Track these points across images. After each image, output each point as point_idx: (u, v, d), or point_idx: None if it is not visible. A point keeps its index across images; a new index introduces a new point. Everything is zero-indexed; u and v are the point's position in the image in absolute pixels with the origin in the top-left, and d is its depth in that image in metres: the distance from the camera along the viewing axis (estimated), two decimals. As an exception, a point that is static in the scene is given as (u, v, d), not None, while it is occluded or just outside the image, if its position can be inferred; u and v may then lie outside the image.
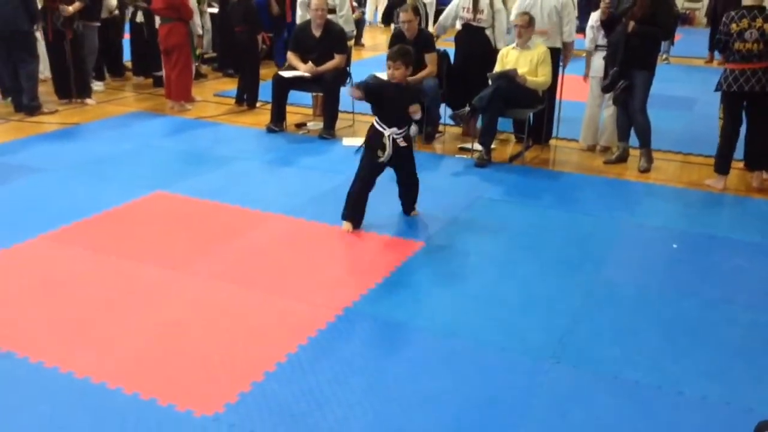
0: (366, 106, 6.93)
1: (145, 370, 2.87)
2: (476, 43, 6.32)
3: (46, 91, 7.45)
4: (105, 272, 3.68)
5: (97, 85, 7.97)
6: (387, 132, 4.29)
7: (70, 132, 6.33)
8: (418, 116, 4.37)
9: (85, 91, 7.43)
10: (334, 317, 3.31)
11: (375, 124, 4.36)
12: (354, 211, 4.35)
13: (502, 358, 3.04)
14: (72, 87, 7.32)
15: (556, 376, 2.93)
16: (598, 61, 5.97)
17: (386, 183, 5.30)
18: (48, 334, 3.09)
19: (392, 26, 7.62)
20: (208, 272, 3.71)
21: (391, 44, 6.44)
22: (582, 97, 6.37)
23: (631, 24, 5.41)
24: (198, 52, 7.80)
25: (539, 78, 5.77)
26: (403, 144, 4.34)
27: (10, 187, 4.88)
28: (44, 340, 3.04)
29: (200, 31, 7.86)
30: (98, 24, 7.71)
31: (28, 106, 6.79)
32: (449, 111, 6.37)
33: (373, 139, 4.34)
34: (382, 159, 4.32)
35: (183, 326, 3.21)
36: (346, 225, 4.32)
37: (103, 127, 6.51)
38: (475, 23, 6.28)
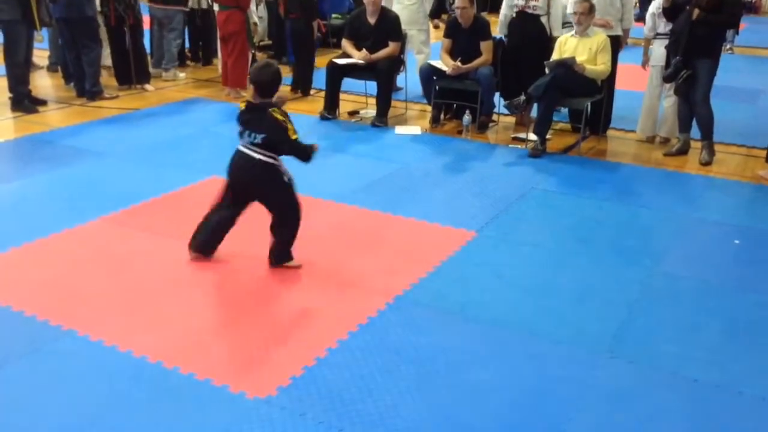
0: (418, 94, 6.95)
1: (201, 351, 2.92)
2: (531, 31, 6.21)
3: (107, 76, 7.64)
4: (163, 255, 3.76)
5: (179, 76, 8.10)
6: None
7: (129, 117, 6.48)
8: None
9: (145, 77, 7.59)
10: (385, 305, 3.31)
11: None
12: None
13: (556, 350, 3.00)
14: (132, 73, 7.48)
15: (612, 370, 2.88)
16: (659, 50, 5.81)
17: (438, 172, 5.27)
18: (108, 314, 3.18)
19: (435, 21, 7.55)
20: (262, 257, 3.75)
21: (447, 32, 6.39)
22: (638, 86, 6.21)
23: (696, 11, 5.24)
24: (254, 39, 7.86)
25: (598, 66, 5.64)
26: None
27: (73, 170, 5.03)
28: (104, 319, 3.13)
29: (256, 19, 7.94)
30: (186, 9, 7.84)
31: (90, 91, 6.97)
32: (503, 100, 6.30)
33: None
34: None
35: (238, 309, 3.26)
36: (296, 261, 3.70)
37: (162, 113, 6.64)
38: (529, 10, 6.17)
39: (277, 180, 3.59)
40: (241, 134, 3.55)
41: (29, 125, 6.11)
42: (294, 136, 3.54)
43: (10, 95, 6.53)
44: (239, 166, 3.60)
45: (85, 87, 6.99)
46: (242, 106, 3.55)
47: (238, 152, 3.59)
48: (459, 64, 6.10)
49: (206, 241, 3.70)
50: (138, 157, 5.32)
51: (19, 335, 2.98)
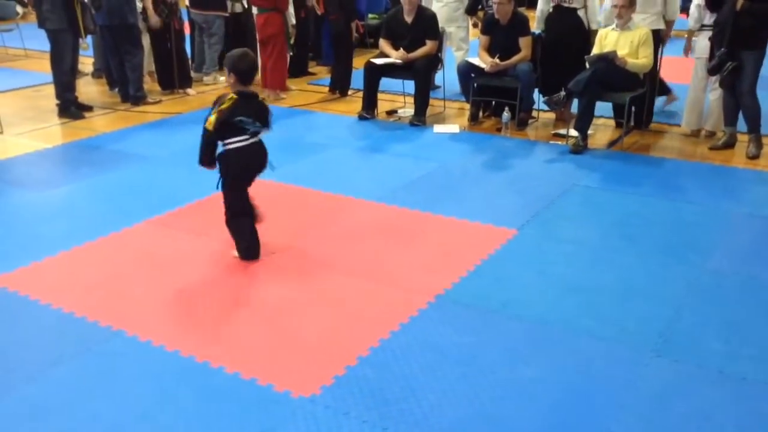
0: (456, 92, 6.93)
1: (246, 351, 2.97)
2: (568, 25, 6.14)
3: (149, 81, 7.79)
4: (208, 256, 3.83)
5: (220, 80, 8.22)
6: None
7: (172, 121, 6.60)
8: None
9: (187, 82, 7.72)
10: (426, 304, 3.32)
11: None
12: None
13: (600, 348, 2.97)
14: (174, 78, 7.61)
15: (657, 369, 2.83)
16: (704, 42, 5.69)
17: (478, 170, 5.26)
18: (155, 315, 3.25)
19: (474, 19, 7.51)
20: (303, 257, 3.79)
21: (484, 29, 6.36)
22: (683, 78, 6.08)
23: (741, 1, 5.12)
24: (292, 41, 7.93)
25: (640, 60, 5.55)
26: None
27: (119, 174, 5.15)
28: (152, 320, 3.20)
29: (294, 21, 8.01)
30: (225, 14, 7.97)
31: (133, 96, 7.12)
32: (542, 96, 6.24)
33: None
34: None
35: (281, 310, 3.30)
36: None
37: (203, 117, 6.72)
38: (566, 4, 6.10)
39: None
40: (246, 125, 3.59)
41: (76, 131, 6.27)
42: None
43: (58, 102, 6.71)
44: (258, 154, 3.73)
45: (129, 92, 7.14)
46: (232, 100, 3.57)
47: (252, 145, 3.67)
48: (497, 60, 6.06)
49: (255, 246, 3.80)
50: (181, 161, 5.42)
51: (70, 336, 3.07)
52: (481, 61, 6.22)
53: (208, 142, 3.65)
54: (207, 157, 3.69)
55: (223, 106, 3.55)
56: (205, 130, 3.60)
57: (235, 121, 3.57)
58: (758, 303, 3.33)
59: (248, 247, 3.77)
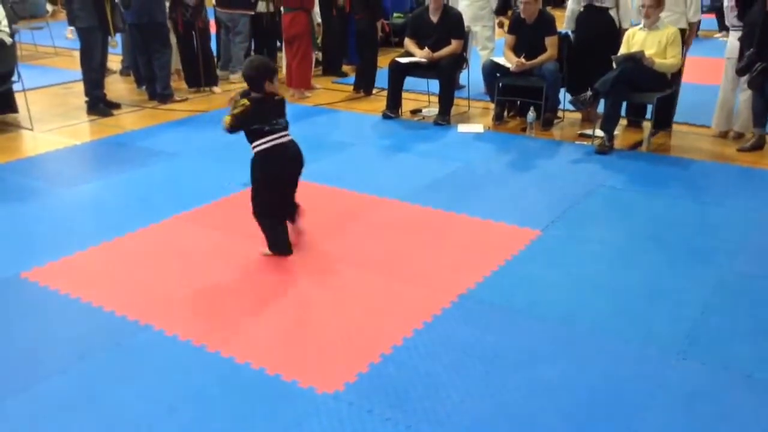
0: (481, 91, 6.91)
1: (271, 346, 2.99)
2: (599, 24, 6.09)
3: (176, 79, 7.87)
4: (235, 252, 3.86)
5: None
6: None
7: (199, 119, 6.67)
8: None
9: (213, 80, 7.79)
10: (450, 303, 3.32)
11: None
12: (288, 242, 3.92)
13: (626, 349, 2.95)
14: (201, 76, 7.68)
15: (684, 371, 2.81)
16: (733, 42, 5.62)
17: (502, 170, 5.24)
18: (183, 310, 3.29)
19: (500, 19, 7.50)
20: (328, 255, 3.81)
21: (511, 28, 6.33)
22: (709, 79, 6.01)
23: (772, 1, 5.05)
24: (318, 40, 7.97)
25: (668, 60, 5.50)
26: None
27: (148, 170, 5.21)
28: (179, 315, 3.24)
29: (320, 20, 8.04)
30: (251, 12, 8.03)
31: (161, 94, 7.21)
32: (568, 96, 6.20)
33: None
34: None
35: (306, 307, 3.33)
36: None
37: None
38: (597, 3, 6.05)
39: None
40: (275, 126, 3.65)
41: (105, 128, 6.36)
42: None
43: (86, 99, 6.81)
44: (290, 155, 3.76)
45: (156, 90, 7.22)
46: (243, 107, 3.60)
47: (286, 144, 3.72)
48: (523, 60, 6.04)
49: (284, 242, 3.84)
50: (208, 158, 5.48)
51: (99, 330, 3.12)
52: (507, 60, 6.20)
53: (231, 133, 3.69)
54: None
55: (236, 112, 3.59)
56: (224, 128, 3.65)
57: (253, 129, 3.63)
58: (787, 306, 3.29)
59: (276, 243, 3.80)
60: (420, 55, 6.41)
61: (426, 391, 2.69)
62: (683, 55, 5.89)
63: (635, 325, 3.12)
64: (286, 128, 3.74)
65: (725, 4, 5.77)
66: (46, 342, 3.04)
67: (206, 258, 3.81)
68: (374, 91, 7.64)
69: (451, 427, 2.50)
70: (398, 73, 6.51)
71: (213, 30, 8.02)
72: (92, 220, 4.34)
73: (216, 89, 7.74)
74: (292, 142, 3.77)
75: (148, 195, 4.73)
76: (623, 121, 6.30)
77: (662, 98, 5.59)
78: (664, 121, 5.99)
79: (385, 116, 6.60)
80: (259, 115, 3.62)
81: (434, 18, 6.44)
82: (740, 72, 5.39)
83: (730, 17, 5.67)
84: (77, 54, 6.75)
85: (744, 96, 5.71)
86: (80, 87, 6.96)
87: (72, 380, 2.77)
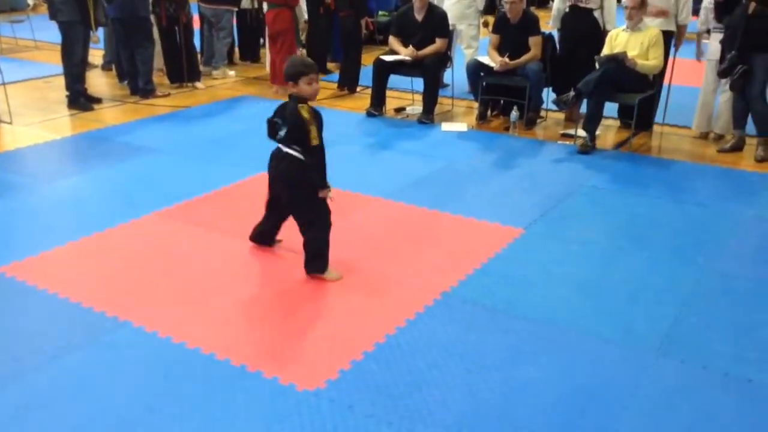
0: (465, 90, 6.93)
1: (251, 343, 2.98)
2: (584, 25, 6.14)
3: (160, 75, 7.81)
4: (215, 249, 3.84)
5: (229, 74, 8.25)
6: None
7: (181, 115, 6.62)
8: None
9: (196, 75, 7.73)
10: (433, 301, 3.32)
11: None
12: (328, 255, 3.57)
13: (605, 348, 2.97)
14: (183, 71, 7.63)
15: (662, 369, 2.83)
16: (714, 44, 5.68)
17: (486, 168, 5.26)
18: (162, 306, 3.26)
19: (485, 18, 7.52)
20: (310, 252, 3.80)
21: (496, 27, 6.35)
22: (692, 81, 6.07)
23: (753, 5, 5.11)
24: (302, 37, 7.94)
25: (650, 61, 5.55)
26: None
27: (128, 165, 5.16)
28: (158, 311, 3.21)
29: (306, 17, 8.02)
30: (235, 8, 7.97)
31: (143, 89, 7.14)
32: (552, 95, 6.23)
33: (322, 179, 3.48)
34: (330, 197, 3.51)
35: (288, 303, 3.31)
36: (336, 274, 3.54)
37: (212, 111, 6.77)
38: (582, 4, 6.10)
39: (301, 178, 3.42)
40: (274, 127, 3.44)
41: (85, 122, 6.29)
42: (314, 142, 3.37)
43: (67, 93, 6.73)
44: (271, 159, 3.53)
45: (139, 85, 7.16)
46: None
47: (273, 153, 3.54)
48: (507, 59, 6.06)
49: (261, 240, 3.81)
50: (190, 154, 5.44)
51: (76, 326, 3.08)
52: (491, 59, 6.22)
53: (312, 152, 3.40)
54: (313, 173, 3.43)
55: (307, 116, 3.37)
56: (307, 145, 3.37)
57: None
58: (765, 305, 3.32)
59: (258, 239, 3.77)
60: (404, 53, 6.41)
61: (408, 388, 2.69)
62: (673, 57, 5.95)
63: (615, 324, 3.14)
64: (282, 139, 3.42)
65: (703, 4, 5.82)
66: (23, 338, 3.00)
67: (186, 254, 3.78)
68: (358, 89, 7.63)
69: (432, 424, 2.50)
70: (383, 70, 6.50)
71: (196, 25, 7.96)
72: (72, 215, 4.29)
73: (199, 85, 7.69)
74: (278, 149, 3.48)
75: (129, 190, 4.68)
76: (609, 122, 6.35)
77: (643, 99, 5.63)
78: (644, 122, 6.04)
79: (369, 114, 6.59)
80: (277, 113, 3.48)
81: (419, 16, 6.44)
82: (722, 74, 5.45)
83: (709, 19, 5.73)
84: (58, 48, 6.67)
85: (724, 98, 5.77)
86: (61, 81, 6.88)
87: (50, 377, 2.73)
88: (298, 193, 3.47)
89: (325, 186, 3.46)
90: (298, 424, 2.48)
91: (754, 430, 2.51)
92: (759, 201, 4.65)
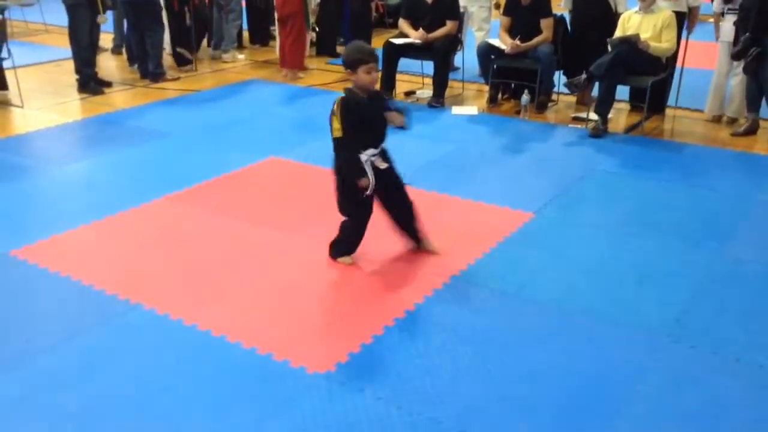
0: (475, 73, 6.88)
1: (262, 326, 2.99)
2: (595, 8, 6.08)
3: (170, 60, 7.81)
4: (225, 232, 3.85)
5: (238, 57, 8.24)
6: (364, 157, 3.32)
7: (191, 98, 6.62)
8: (399, 123, 3.43)
9: (197, 48, 7.68)
10: (442, 285, 3.32)
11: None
12: (355, 246, 3.57)
13: (616, 333, 2.96)
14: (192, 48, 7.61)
15: (673, 355, 2.82)
16: (728, 26, 5.61)
17: (496, 152, 5.23)
18: (173, 289, 3.28)
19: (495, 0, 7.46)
20: (320, 235, 3.79)
21: (507, 9, 6.29)
22: (706, 63, 6.00)
23: (768, -15, 5.03)
24: (312, 21, 7.90)
25: (663, 44, 5.48)
26: (383, 166, 3.41)
27: (138, 149, 5.17)
28: (169, 294, 3.23)
29: (317, 0, 7.98)
30: None
31: (152, 72, 7.14)
32: (563, 79, 6.18)
33: (352, 172, 3.33)
34: (368, 193, 3.35)
35: (298, 286, 3.32)
36: (348, 258, 3.55)
37: (222, 95, 6.76)
38: (594, -14, 6.03)
39: (337, 173, 3.43)
40: None
41: (96, 106, 6.30)
42: (336, 134, 3.27)
43: (77, 77, 6.74)
44: None
45: (149, 68, 7.16)
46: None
47: None
48: (518, 42, 6.01)
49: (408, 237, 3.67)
50: (199, 138, 5.44)
51: (88, 309, 3.11)
52: (502, 42, 6.17)
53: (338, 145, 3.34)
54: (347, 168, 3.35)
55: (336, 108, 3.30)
56: (333, 136, 3.31)
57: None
58: (777, 291, 3.30)
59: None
60: (414, 37, 6.36)
61: (417, 371, 2.70)
62: (686, 39, 5.88)
63: (625, 309, 3.13)
64: None
65: None
66: (35, 321, 3.02)
67: (197, 238, 3.79)
68: (368, 73, 7.58)
69: (441, 406, 2.51)
70: (392, 54, 6.46)
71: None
72: (83, 198, 4.31)
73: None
74: None
75: (139, 174, 4.69)
76: (621, 105, 6.29)
77: (656, 82, 5.58)
78: (657, 105, 5.99)
79: (379, 97, 6.54)
80: None
81: (429, -1, 6.39)
82: (735, 57, 5.38)
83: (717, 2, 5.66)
84: (67, 31, 6.67)
85: (736, 81, 5.71)
86: (71, 65, 6.89)
87: (62, 359, 2.76)
88: (338, 186, 3.44)
89: (353, 177, 3.31)
90: (308, 406, 2.50)
91: (764, 416, 2.50)
92: (772, 185, 4.61)
